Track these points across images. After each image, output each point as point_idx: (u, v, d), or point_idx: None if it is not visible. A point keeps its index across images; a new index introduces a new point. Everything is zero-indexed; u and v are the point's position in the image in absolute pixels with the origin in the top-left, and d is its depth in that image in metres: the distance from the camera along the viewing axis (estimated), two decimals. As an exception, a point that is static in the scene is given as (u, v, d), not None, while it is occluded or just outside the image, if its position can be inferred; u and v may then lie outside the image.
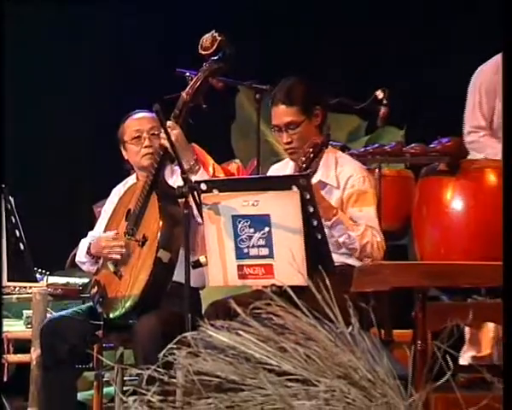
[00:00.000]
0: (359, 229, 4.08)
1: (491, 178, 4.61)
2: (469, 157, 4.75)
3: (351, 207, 4.16)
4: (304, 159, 4.03)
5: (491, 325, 4.89)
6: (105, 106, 6.23)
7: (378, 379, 2.83)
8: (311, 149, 4.04)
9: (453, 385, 2.84)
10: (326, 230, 3.83)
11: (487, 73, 5.04)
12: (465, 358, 4.96)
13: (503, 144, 3.51)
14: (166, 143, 4.08)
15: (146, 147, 4.43)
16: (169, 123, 4.11)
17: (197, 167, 4.20)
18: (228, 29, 4.22)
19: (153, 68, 6.22)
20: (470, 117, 5.05)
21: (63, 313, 4.45)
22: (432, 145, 4.75)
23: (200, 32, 4.24)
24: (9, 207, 4.31)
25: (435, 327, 3.83)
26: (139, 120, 4.49)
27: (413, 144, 4.86)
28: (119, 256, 4.27)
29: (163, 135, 4.09)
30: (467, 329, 4.73)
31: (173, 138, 4.04)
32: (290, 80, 4.28)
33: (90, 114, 6.60)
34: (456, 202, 4.61)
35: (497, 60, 4.98)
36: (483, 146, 4.96)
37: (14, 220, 4.32)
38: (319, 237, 3.72)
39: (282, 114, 4.22)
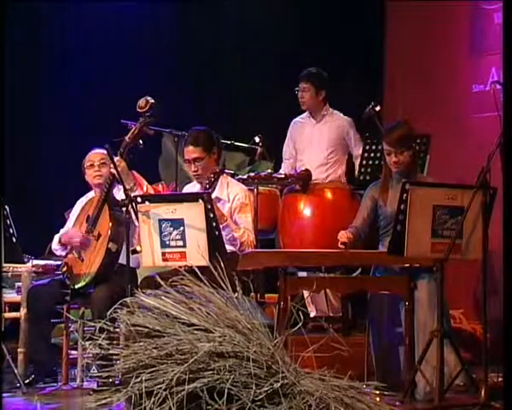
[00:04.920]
0: (239, 232, 4.04)
1: (328, 194, 4.70)
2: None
3: (236, 214, 4.13)
4: (207, 182, 4.03)
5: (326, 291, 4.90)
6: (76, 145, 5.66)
7: (254, 328, 2.83)
8: (212, 176, 4.03)
9: (303, 330, 2.88)
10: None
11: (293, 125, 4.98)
12: (312, 312, 4.99)
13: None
14: (114, 171, 4.01)
15: (96, 171, 4.38)
16: (116, 158, 4.04)
17: (135, 187, 4.14)
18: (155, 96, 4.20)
19: (106, 119, 5.93)
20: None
21: (42, 281, 4.35)
22: (291, 173, 4.78)
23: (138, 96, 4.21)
24: (5, 213, 4.16)
25: (292, 293, 3.85)
26: (93, 155, 4.43)
27: (278, 173, 4.87)
28: (78, 243, 4.19)
29: (112, 165, 4.01)
30: (306, 293, 4.70)
31: (119, 168, 3.98)
32: (197, 129, 4.25)
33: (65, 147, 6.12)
34: (306, 210, 4.67)
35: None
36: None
37: (8, 222, 4.16)
38: (216, 233, 3.69)
39: (191, 152, 4.16)
